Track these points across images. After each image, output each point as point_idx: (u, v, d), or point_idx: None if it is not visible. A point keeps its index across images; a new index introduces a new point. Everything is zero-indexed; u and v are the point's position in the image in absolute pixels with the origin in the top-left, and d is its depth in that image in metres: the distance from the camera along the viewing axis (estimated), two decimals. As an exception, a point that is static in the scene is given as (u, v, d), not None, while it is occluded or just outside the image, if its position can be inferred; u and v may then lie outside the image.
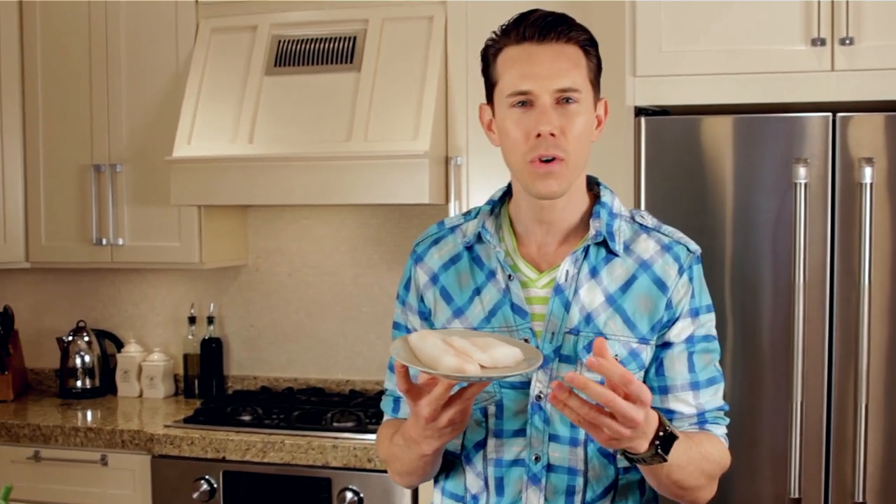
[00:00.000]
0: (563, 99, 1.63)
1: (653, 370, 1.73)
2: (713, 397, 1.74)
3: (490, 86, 1.72)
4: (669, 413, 1.71)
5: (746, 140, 2.71)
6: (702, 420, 1.73)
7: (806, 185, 2.60)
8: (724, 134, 2.73)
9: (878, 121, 2.60)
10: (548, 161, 1.62)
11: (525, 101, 1.64)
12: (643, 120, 2.75)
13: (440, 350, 1.52)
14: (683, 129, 2.75)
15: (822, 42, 2.64)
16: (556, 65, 1.63)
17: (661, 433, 1.55)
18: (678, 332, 1.71)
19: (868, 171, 2.55)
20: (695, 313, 1.72)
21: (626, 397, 1.45)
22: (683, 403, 1.72)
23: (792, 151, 2.64)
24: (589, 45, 1.67)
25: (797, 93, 2.68)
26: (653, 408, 1.63)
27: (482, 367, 1.50)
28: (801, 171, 2.59)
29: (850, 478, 2.63)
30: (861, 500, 2.60)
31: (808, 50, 2.66)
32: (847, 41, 2.62)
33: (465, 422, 1.59)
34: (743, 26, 2.73)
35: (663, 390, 1.72)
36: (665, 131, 2.75)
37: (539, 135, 1.62)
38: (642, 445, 1.53)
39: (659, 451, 1.54)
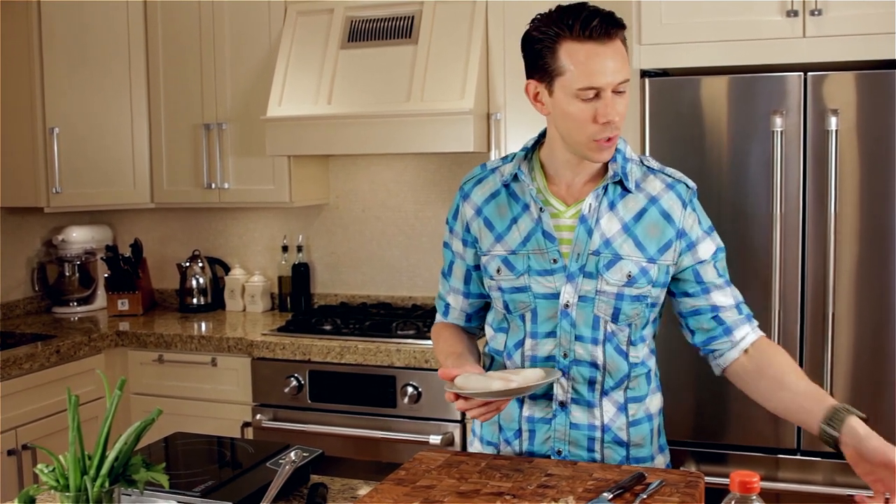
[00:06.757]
0: (620, 90, 1.67)
1: (692, 280, 1.80)
2: (736, 291, 1.84)
3: (546, 70, 1.69)
4: (714, 309, 1.80)
5: (734, 96, 2.73)
6: (740, 309, 1.81)
7: (783, 132, 2.66)
8: (715, 91, 2.74)
9: (843, 78, 2.64)
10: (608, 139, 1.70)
11: (594, 95, 1.67)
12: (647, 81, 2.80)
13: (484, 380, 1.65)
14: (681, 87, 2.78)
15: (796, 14, 2.69)
16: (616, 63, 1.65)
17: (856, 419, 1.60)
18: (705, 251, 1.79)
19: (834, 120, 2.61)
20: (709, 231, 1.82)
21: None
22: (723, 298, 1.80)
23: (771, 104, 2.68)
24: (625, 37, 1.71)
25: (775, 56, 2.72)
26: (706, 306, 1.79)
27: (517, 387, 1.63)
28: (778, 120, 2.65)
29: (820, 373, 2.69)
30: (829, 392, 2.60)
31: (784, 20, 2.70)
32: (816, 13, 2.67)
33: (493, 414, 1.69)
34: (730, 1, 2.74)
35: (706, 290, 1.80)
36: (666, 90, 2.80)
37: (607, 122, 1.66)
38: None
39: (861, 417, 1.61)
